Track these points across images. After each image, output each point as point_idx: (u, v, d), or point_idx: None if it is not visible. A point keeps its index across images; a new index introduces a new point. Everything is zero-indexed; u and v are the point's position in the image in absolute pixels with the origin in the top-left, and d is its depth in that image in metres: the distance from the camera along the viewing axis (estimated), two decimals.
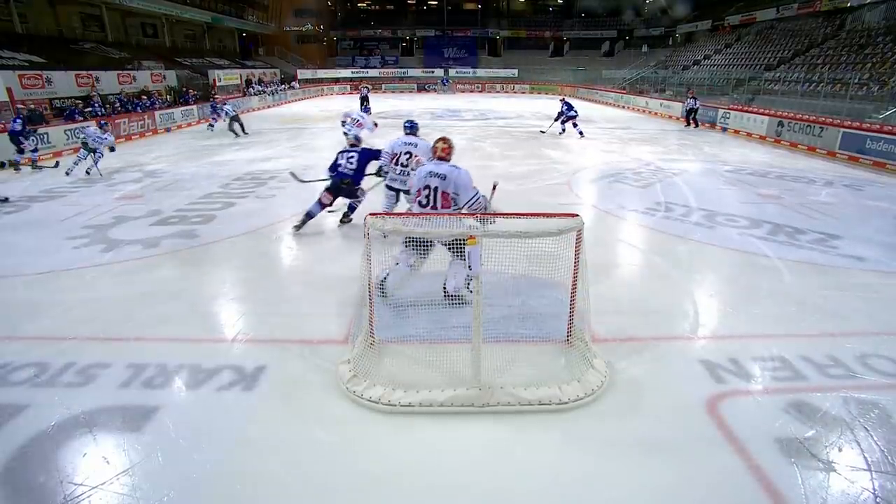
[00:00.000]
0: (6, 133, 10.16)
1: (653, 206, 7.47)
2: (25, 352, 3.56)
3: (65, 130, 12.30)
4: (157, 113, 16.28)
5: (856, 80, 15.50)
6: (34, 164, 10.22)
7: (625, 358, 3.50)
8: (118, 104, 16.88)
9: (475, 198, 3.86)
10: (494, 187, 4.33)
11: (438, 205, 3.85)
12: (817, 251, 5.61)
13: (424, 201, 3.90)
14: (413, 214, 3.82)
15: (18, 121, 10.11)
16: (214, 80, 24.10)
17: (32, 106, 14.29)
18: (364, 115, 9.95)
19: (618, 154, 12.16)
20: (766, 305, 4.35)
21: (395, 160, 5.56)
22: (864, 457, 2.62)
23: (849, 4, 21.37)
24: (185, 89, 22.04)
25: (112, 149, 9.88)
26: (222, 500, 2.40)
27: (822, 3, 22.54)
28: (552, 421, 2.91)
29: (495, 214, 3.80)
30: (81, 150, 9.50)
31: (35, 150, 10.29)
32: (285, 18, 40.66)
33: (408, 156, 5.46)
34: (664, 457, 2.66)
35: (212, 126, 16.26)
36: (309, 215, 6.11)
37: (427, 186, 3.88)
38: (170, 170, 10.19)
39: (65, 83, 17.31)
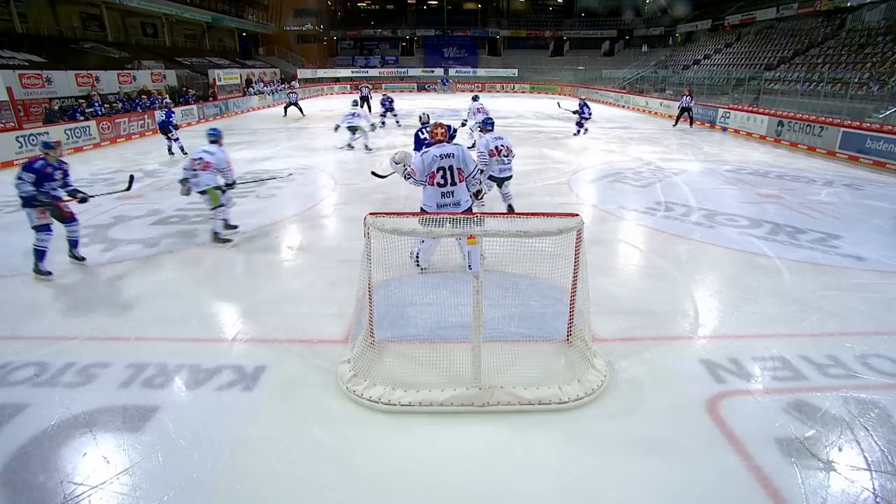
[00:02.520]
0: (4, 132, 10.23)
1: (653, 205, 7.47)
2: (25, 352, 3.56)
3: (65, 130, 12.28)
4: (157, 113, 16.23)
5: (856, 80, 15.49)
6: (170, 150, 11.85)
7: (625, 358, 3.50)
8: (123, 104, 16.76)
9: (475, 168, 4.52)
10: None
11: (457, 179, 4.38)
12: (817, 251, 5.61)
13: (442, 181, 4.36)
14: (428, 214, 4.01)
15: (164, 112, 11.85)
16: (214, 79, 24.06)
17: (58, 106, 14.49)
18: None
19: (618, 154, 12.15)
20: (766, 305, 4.35)
21: (498, 154, 6.12)
22: (865, 456, 2.63)
23: (849, 4, 21.34)
24: (184, 89, 22.03)
25: (373, 127, 11.77)
26: (222, 500, 2.40)
27: (822, 2, 22.50)
28: (552, 421, 2.91)
29: (496, 214, 3.85)
30: (357, 133, 11.67)
31: (177, 139, 11.82)
32: (285, 18, 40.62)
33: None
34: (664, 457, 2.66)
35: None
36: None
37: (441, 168, 4.34)
38: (170, 170, 10.18)
39: (65, 83, 17.31)
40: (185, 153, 11.39)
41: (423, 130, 6.98)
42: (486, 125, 6.32)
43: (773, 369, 3.39)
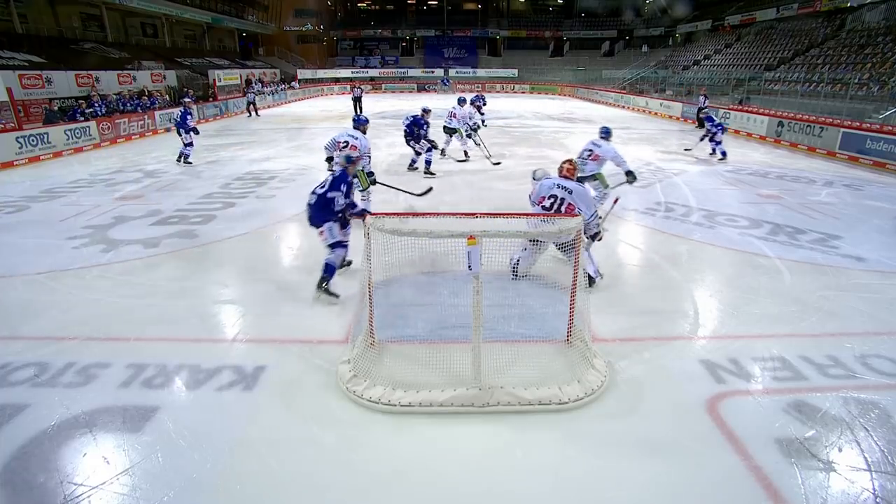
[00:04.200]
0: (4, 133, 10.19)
1: (653, 206, 7.47)
2: (25, 352, 3.56)
3: (65, 131, 12.27)
4: (157, 113, 16.25)
5: (856, 80, 15.49)
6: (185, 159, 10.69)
7: (625, 358, 3.50)
8: (126, 105, 16.70)
9: (593, 216, 4.27)
10: (616, 201, 5.03)
11: (563, 212, 4.25)
12: (817, 251, 5.61)
13: (549, 207, 4.31)
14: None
15: (180, 111, 10.76)
16: (215, 80, 24.05)
17: (57, 107, 14.37)
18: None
19: None
20: (766, 305, 4.35)
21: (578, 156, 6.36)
22: (864, 457, 2.63)
23: (849, 4, 21.34)
24: (184, 89, 22.03)
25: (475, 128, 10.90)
26: (222, 500, 2.40)
27: (822, 3, 22.50)
28: (552, 421, 2.91)
29: (497, 215, 3.85)
30: (463, 135, 10.64)
31: (190, 145, 10.70)
32: (285, 18, 40.61)
33: (589, 152, 6.37)
34: (664, 457, 2.66)
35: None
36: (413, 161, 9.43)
37: (553, 196, 4.30)
38: (170, 170, 10.18)
39: (65, 83, 17.29)
40: (189, 162, 10.54)
41: (408, 118, 8.86)
42: (604, 132, 6.59)
43: (773, 369, 3.39)
